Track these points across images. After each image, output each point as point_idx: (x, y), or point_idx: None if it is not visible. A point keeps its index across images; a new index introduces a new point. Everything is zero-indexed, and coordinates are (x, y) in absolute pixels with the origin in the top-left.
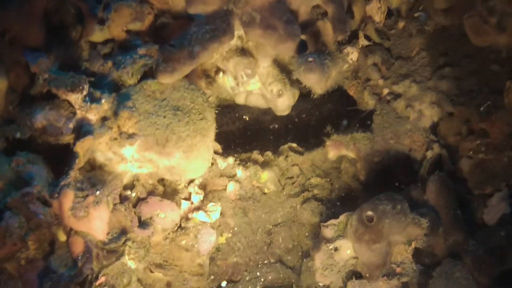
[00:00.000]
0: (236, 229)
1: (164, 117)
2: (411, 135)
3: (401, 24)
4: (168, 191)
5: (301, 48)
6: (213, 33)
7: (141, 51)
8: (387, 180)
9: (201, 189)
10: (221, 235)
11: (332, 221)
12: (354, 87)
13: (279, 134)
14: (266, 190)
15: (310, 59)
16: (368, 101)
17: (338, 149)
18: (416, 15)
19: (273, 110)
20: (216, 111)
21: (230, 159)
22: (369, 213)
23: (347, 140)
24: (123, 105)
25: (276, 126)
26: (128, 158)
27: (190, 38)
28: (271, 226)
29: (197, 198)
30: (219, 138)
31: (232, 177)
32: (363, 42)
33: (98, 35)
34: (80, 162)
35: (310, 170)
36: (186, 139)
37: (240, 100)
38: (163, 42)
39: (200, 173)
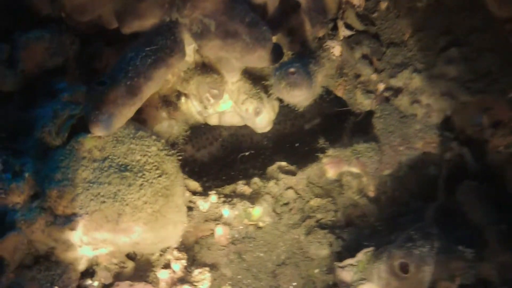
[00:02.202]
0: (235, 278)
1: (109, 183)
2: (422, 136)
3: (383, 4)
4: (140, 265)
5: (276, 54)
6: (156, 55)
7: (64, 98)
8: (402, 194)
9: (181, 252)
10: None
11: (349, 260)
12: (342, 87)
13: (263, 148)
14: (261, 224)
15: (292, 69)
16: (362, 101)
17: (338, 166)
18: None
19: (251, 128)
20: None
21: (213, 197)
22: (403, 261)
23: (348, 154)
24: (49, 179)
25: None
26: (77, 243)
27: (127, 68)
28: (274, 266)
29: (178, 265)
30: (194, 168)
31: (218, 219)
32: (344, 32)
33: (10, 83)
34: (10, 265)
35: (308, 190)
36: (144, 207)
37: (213, 121)
38: (97, 76)
39: (173, 240)
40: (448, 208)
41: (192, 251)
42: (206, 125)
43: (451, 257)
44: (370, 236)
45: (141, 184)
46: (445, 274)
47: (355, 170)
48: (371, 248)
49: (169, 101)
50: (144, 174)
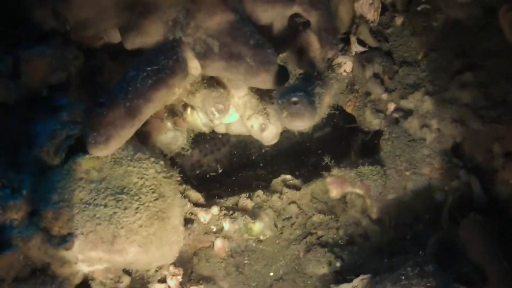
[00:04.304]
0: None
1: (105, 206)
2: (430, 161)
3: (399, 20)
4: (136, 280)
5: (281, 77)
6: (157, 75)
7: (63, 117)
8: (405, 218)
9: (177, 268)
10: None
11: (345, 286)
12: (352, 103)
13: (269, 159)
14: (261, 237)
15: (295, 99)
16: (371, 121)
17: (342, 187)
18: (419, 8)
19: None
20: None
21: (214, 209)
22: None
23: (352, 176)
24: (46, 200)
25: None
26: (72, 260)
27: (126, 89)
28: (272, 281)
29: (173, 282)
30: (197, 177)
31: (218, 231)
32: (356, 48)
33: (13, 96)
34: (6, 280)
35: (311, 205)
36: (139, 231)
37: (221, 130)
38: (98, 93)
39: (169, 259)
40: (451, 241)
41: (190, 263)
42: (213, 132)
43: None
44: (371, 257)
45: (137, 208)
46: None
47: (359, 191)
48: (368, 275)
49: (175, 111)
50: (140, 198)
